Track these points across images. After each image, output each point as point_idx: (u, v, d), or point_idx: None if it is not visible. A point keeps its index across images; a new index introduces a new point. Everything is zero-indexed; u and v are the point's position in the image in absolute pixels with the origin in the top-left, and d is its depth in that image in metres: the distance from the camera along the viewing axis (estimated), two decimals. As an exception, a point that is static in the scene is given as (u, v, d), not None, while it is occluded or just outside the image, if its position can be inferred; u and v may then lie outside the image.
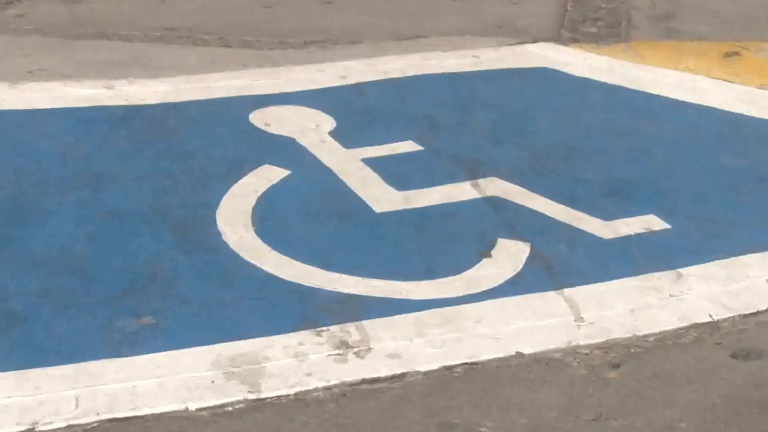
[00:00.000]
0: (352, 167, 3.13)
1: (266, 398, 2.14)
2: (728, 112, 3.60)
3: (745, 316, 2.46)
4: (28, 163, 3.13)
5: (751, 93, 3.75)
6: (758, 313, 2.47)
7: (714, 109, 3.63)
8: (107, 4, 4.81)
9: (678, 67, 3.98)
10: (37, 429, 2.03)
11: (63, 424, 2.04)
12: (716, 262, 2.67)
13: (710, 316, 2.45)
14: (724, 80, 3.86)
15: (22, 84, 3.67)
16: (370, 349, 2.30)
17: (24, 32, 4.32)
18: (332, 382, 2.18)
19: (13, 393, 2.12)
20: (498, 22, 4.63)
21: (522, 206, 2.92)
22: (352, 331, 2.35)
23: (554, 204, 2.92)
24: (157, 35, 4.35)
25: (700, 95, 3.73)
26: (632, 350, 2.33)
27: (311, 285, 2.53)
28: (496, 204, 2.93)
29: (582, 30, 4.51)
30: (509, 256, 2.67)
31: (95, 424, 2.05)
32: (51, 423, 2.05)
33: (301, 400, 2.14)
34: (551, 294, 2.52)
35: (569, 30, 4.51)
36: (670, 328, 2.41)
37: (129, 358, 2.24)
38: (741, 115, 3.58)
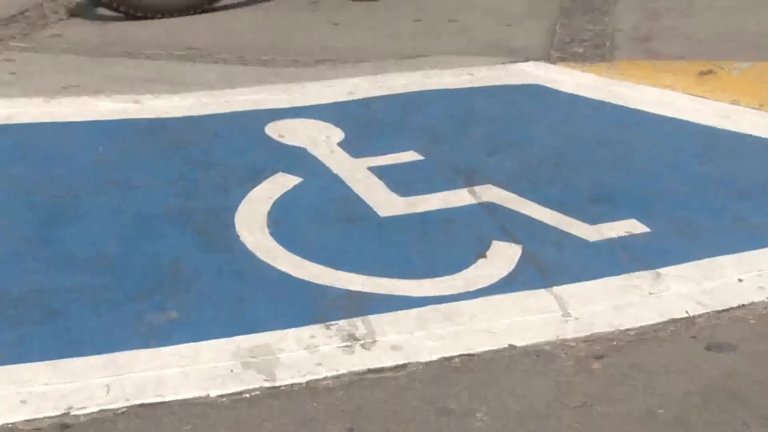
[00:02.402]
0: (358, 175, 3.14)
1: (280, 386, 2.15)
2: (704, 126, 3.61)
3: (719, 312, 2.46)
4: (63, 171, 3.15)
5: (724, 108, 3.75)
6: (731, 309, 2.47)
7: (690, 122, 3.63)
8: (135, 25, 4.83)
9: (657, 84, 3.99)
10: (72, 413, 2.04)
11: (95, 409, 2.05)
12: (692, 263, 2.67)
13: (686, 312, 2.45)
14: (699, 96, 3.87)
15: (57, 99, 3.68)
16: (375, 341, 2.31)
17: (59, 51, 4.34)
18: (341, 372, 2.19)
19: (50, 381, 2.14)
20: (492, 42, 4.64)
21: (515, 211, 2.92)
22: (358, 325, 2.36)
23: (544, 209, 2.93)
24: (180, 54, 4.36)
25: (678, 110, 3.73)
26: (615, 343, 2.33)
27: (321, 283, 2.54)
28: (491, 209, 2.94)
29: (569, 50, 4.52)
30: (503, 257, 2.68)
31: (124, 409, 2.06)
32: (84, 408, 2.06)
33: (312, 388, 2.15)
34: (541, 292, 2.53)
35: (557, 50, 4.52)
36: (649, 323, 2.41)
37: (156, 349, 2.26)
38: (715, 128, 3.58)
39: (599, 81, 4.04)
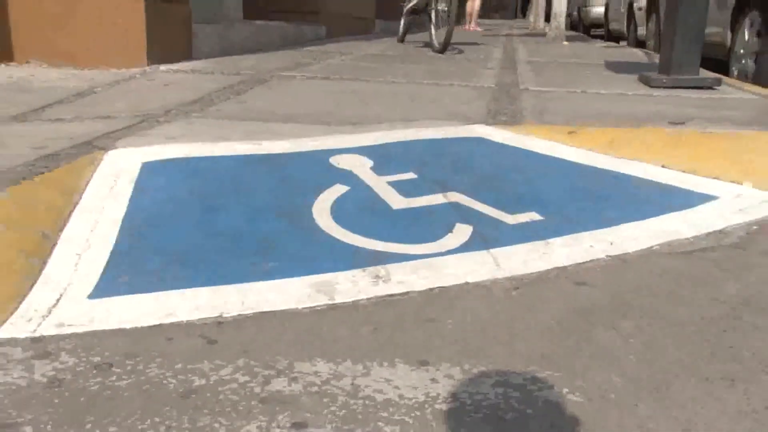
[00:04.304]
0: (381, 186, 3.09)
1: (336, 303, 2.12)
2: (573, 162, 3.58)
3: (580, 264, 2.43)
4: (215, 183, 3.11)
5: (584, 152, 3.74)
6: (586, 262, 2.44)
7: (566, 160, 3.60)
8: (261, 102, 4.83)
9: (546, 138, 3.96)
10: (223, 315, 2.02)
11: (236, 314, 2.03)
12: (566, 236, 2.64)
13: (563, 263, 2.42)
14: (570, 145, 3.83)
15: (215, 143, 3.64)
16: (390, 279, 2.27)
17: (217, 117, 4.32)
18: (371, 296, 2.16)
19: (208, 299, 2.11)
20: (456, 113, 4.60)
21: (469, 207, 2.88)
22: (381, 270, 2.33)
23: (486, 206, 2.89)
24: (278, 118, 4.34)
25: (559, 153, 3.71)
26: (525, 281, 2.29)
27: (360, 246, 2.50)
28: (455, 206, 2.90)
29: (498, 118, 4.48)
30: (462, 233, 2.64)
31: (250, 314, 2.04)
32: (230, 312, 2.03)
33: (354, 305, 2.11)
34: (483, 252, 2.49)
35: (492, 118, 4.48)
36: (543, 269, 2.38)
37: (265, 281, 2.22)
38: (580, 163, 3.56)
39: (515, 136, 3.99)
